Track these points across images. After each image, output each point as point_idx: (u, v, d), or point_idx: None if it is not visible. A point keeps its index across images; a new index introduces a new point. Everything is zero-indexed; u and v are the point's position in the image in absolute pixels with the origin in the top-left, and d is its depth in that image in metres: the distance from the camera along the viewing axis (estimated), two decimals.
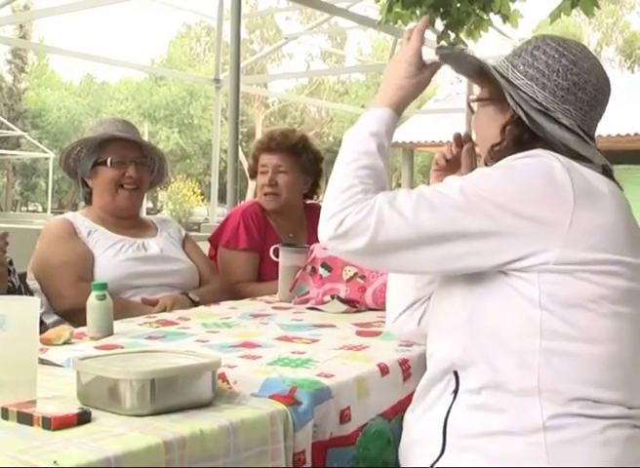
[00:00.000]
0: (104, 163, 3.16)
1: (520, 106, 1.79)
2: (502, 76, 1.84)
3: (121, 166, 3.17)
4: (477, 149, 2.03)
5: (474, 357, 1.69)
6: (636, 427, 1.65)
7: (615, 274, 1.65)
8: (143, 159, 3.25)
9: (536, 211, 1.63)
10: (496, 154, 1.84)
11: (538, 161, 1.70)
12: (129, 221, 3.25)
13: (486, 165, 1.88)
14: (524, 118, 1.78)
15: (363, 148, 1.82)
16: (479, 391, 1.68)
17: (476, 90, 2.05)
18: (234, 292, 3.47)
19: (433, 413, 1.75)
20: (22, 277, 2.94)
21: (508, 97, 1.80)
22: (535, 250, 1.62)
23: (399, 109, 1.89)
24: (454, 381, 1.73)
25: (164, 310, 2.90)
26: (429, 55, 1.96)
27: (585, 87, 1.82)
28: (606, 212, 1.68)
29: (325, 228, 1.72)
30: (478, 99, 1.95)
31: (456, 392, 1.72)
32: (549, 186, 1.65)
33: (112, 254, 3.07)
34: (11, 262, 2.71)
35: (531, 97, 1.80)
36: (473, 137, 2.08)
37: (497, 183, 1.67)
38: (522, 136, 1.81)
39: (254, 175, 3.84)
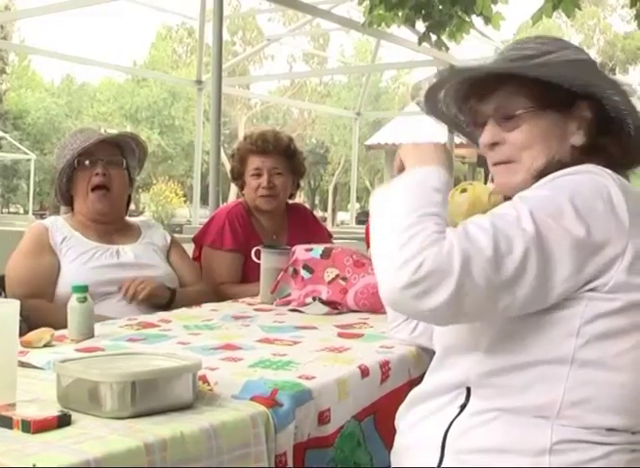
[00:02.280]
0: (75, 167, 3.14)
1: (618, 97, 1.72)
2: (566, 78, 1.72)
3: (89, 166, 3.15)
4: (514, 169, 1.78)
5: (494, 379, 1.63)
6: (635, 451, 1.64)
7: None
8: (114, 157, 3.21)
9: (598, 233, 1.54)
10: (551, 167, 1.72)
11: (592, 179, 1.60)
12: (110, 226, 3.22)
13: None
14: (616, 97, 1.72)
15: (427, 200, 1.59)
16: (491, 410, 1.63)
17: None
18: (217, 293, 3.47)
19: (433, 422, 1.71)
20: (2, 279, 2.93)
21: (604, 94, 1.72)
22: (595, 274, 1.54)
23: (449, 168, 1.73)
24: (464, 396, 1.68)
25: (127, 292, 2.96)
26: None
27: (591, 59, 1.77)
28: None
29: (397, 277, 1.45)
30: (527, 110, 1.74)
31: (463, 406, 1.67)
32: (609, 208, 1.56)
33: (83, 261, 3.04)
34: None
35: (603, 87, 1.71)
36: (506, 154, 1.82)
37: (561, 206, 1.54)
38: (605, 131, 1.74)
39: (239, 176, 3.82)
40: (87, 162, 3.13)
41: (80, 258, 3.05)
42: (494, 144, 1.79)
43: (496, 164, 1.81)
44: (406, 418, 1.80)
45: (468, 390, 1.67)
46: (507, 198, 1.71)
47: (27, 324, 2.65)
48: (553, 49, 1.71)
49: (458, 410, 1.67)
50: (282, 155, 3.75)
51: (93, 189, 3.14)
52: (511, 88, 1.75)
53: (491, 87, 1.77)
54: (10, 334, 1.57)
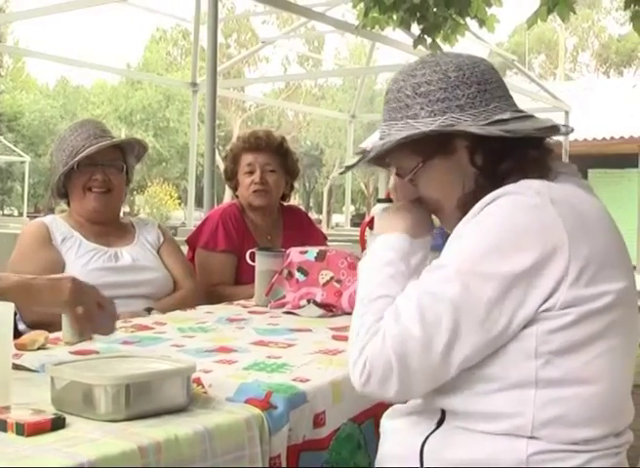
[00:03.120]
0: (74, 167, 3.13)
1: (476, 129, 1.65)
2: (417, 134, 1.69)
3: (89, 169, 3.15)
4: (442, 215, 1.82)
5: (465, 406, 1.62)
6: (620, 453, 1.63)
7: (608, 307, 1.56)
8: (115, 162, 3.21)
9: (533, 262, 1.52)
10: (469, 199, 1.71)
11: (516, 201, 1.58)
12: (106, 227, 3.23)
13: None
14: (500, 133, 1.64)
15: (375, 281, 1.68)
16: (466, 429, 1.62)
17: None
18: (211, 295, 3.47)
19: (411, 433, 1.71)
20: None
21: (469, 128, 1.66)
22: (542, 299, 1.53)
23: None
24: (439, 416, 1.67)
25: None
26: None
27: (485, 77, 1.71)
28: (597, 239, 1.60)
29: (353, 378, 1.59)
30: (417, 168, 1.76)
31: (440, 422, 1.67)
32: (540, 231, 1.54)
33: (82, 263, 3.05)
34: None
35: (464, 126, 1.67)
36: None
37: (487, 251, 1.54)
38: (499, 154, 1.69)
39: (232, 176, 3.83)
40: (86, 165, 3.13)
41: (80, 260, 3.05)
42: (417, 199, 1.84)
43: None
44: (388, 427, 1.81)
45: (443, 412, 1.67)
46: None
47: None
48: (422, 100, 1.71)
49: (434, 426, 1.67)
50: (274, 153, 3.76)
51: (90, 189, 3.15)
52: (397, 153, 1.77)
53: (383, 157, 1.81)
54: (4, 337, 1.57)
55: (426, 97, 1.70)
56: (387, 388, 1.55)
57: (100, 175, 3.15)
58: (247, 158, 3.76)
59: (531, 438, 1.55)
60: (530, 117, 1.72)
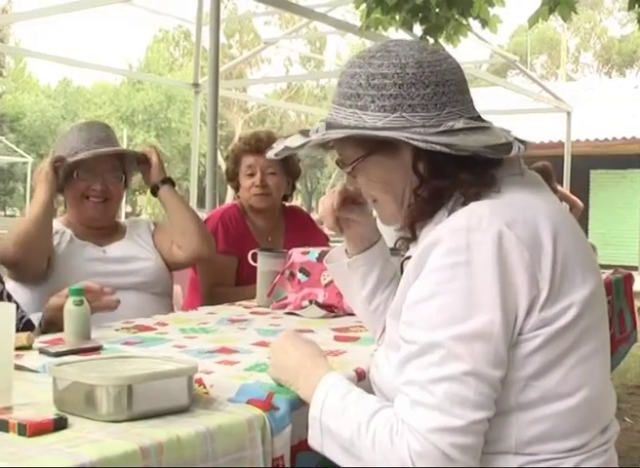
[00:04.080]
0: (72, 174, 3.14)
1: (418, 142, 1.57)
2: (365, 128, 1.63)
3: (88, 178, 3.15)
4: (380, 207, 1.77)
5: None
6: (608, 450, 1.62)
7: (576, 319, 1.53)
8: (114, 172, 3.22)
9: (504, 304, 1.47)
10: (415, 202, 1.67)
11: (471, 248, 1.49)
12: (100, 230, 3.25)
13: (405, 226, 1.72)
14: (444, 149, 1.56)
15: (352, 411, 1.56)
16: None
17: None
18: (213, 295, 3.48)
19: None
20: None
21: (409, 138, 1.58)
22: (517, 330, 1.51)
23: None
24: None
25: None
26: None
27: (445, 78, 1.63)
28: (557, 249, 1.54)
29: None
30: (357, 161, 1.71)
31: None
32: (505, 275, 1.48)
33: (72, 254, 3.09)
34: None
35: (413, 126, 1.60)
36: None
37: (457, 310, 1.47)
38: (442, 168, 1.61)
39: (234, 177, 3.84)
40: (85, 173, 3.15)
41: (69, 252, 3.09)
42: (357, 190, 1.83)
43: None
44: None
45: None
46: None
47: None
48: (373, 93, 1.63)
49: None
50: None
51: (88, 197, 3.15)
52: (341, 143, 1.73)
53: (324, 145, 1.78)
54: (6, 337, 1.57)
55: (379, 90, 1.62)
56: None
57: (100, 186, 3.16)
58: (248, 160, 3.76)
59: (517, 454, 1.54)
60: (485, 129, 1.64)
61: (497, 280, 1.47)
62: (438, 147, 1.56)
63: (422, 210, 1.66)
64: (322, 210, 2.03)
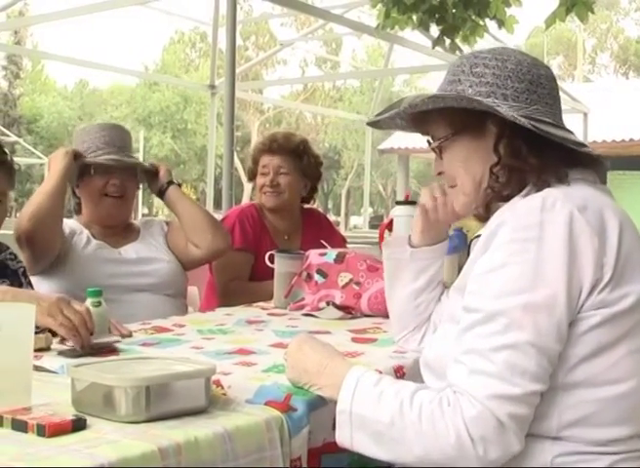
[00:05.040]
0: (88, 172, 3.16)
1: (507, 114, 1.68)
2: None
3: (105, 174, 3.17)
4: (455, 193, 1.86)
5: None
6: None
7: (632, 308, 1.56)
8: (128, 170, 3.23)
9: (568, 279, 1.52)
10: (492, 184, 1.74)
11: (545, 225, 1.55)
12: (114, 229, 3.26)
13: (479, 210, 1.81)
14: (527, 125, 1.66)
15: (391, 393, 1.57)
16: None
17: None
18: (228, 290, 3.49)
19: None
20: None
21: (501, 110, 1.68)
22: (578, 309, 1.54)
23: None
24: None
25: None
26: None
27: (540, 81, 1.76)
28: (621, 241, 1.59)
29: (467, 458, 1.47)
30: (445, 139, 1.81)
31: None
32: (574, 246, 1.53)
33: (88, 255, 3.10)
34: (24, 273, 2.70)
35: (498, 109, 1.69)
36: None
37: (522, 281, 1.52)
38: (520, 150, 1.70)
39: (253, 177, 3.88)
40: (102, 171, 3.16)
41: (85, 253, 3.10)
42: (439, 173, 1.89)
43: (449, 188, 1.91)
44: None
45: None
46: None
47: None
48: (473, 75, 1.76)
49: None
50: (289, 155, 3.78)
51: (107, 194, 3.16)
52: (434, 119, 1.83)
53: (420, 121, 1.88)
54: (25, 338, 1.57)
55: (479, 77, 1.75)
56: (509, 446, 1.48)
57: (118, 181, 3.18)
58: (264, 160, 3.80)
59: (555, 438, 1.55)
60: (567, 131, 1.75)
61: (565, 258, 1.52)
62: (524, 120, 1.66)
63: (499, 191, 1.73)
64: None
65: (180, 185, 3.37)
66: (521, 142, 1.70)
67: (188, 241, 3.27)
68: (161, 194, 3.32)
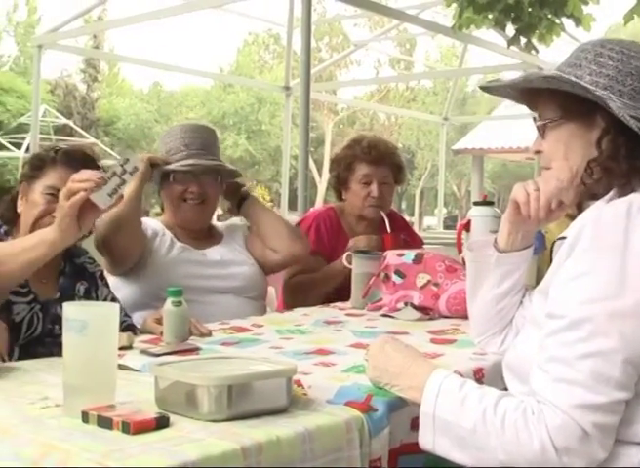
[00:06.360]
0: (168, 177, 3.17)
1: (618, 111, 1.65)
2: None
3: (184, 180, 3.17)
4: (549, 176, 1.84)
5: None
6: None
7: None
8: (211, 173, 3.22)
9: None
10: (587, 181, 1.73)
11: (631, 227, 1.53)
12: (197, 232, 3.28)
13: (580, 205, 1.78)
14: (634, 127, 1.63)
15: (474, 398, 1.57)
16: None
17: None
18: (290, 286, 3.56)
19: None
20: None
21: (613, 106, 1.66)
22: None
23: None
24: None
25: None
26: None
27: None
28: None
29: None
30: (552, 120, 1.80)
31: None
32: None
33: (172, 257, 3.12)
34: (101, 275, 2.74)
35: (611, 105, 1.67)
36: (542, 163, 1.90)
37: (611, 286, 1.49)
38: (620, 151, 1.67)
39: (343, 182, 3.82)
40: (183, 176, 3.17)
41: (169, 254, 3.12)
42: (537, 152, 1.87)
43: (542, 168, 1.89)
44: None
45: None
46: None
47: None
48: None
49: None
50: (392, 166, 3.76)
51: (186, 200, 3.18)
52: (546, 98, 1.82)
53: (531, 97, 1.87)
54: (111, 337, 1.60)
55: (600, 67, 1.73)
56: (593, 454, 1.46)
57: (197, 188, 3.17)
58: (363, 168, 3.73)
59: None
60: None
61: None
62: (633, 122, 1.63)
63: (589, 188, 1.72)
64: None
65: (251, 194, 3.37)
66: (622, 143, 1.67)
67: (266, 247, 3.28)
68: (238, 203, 3.33)
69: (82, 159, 2.55)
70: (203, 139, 3.24)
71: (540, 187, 1.87)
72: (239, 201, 3.32)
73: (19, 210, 2.54)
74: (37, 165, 2.56)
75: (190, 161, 3.13)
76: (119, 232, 2.94)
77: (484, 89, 2.00)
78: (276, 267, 3.37)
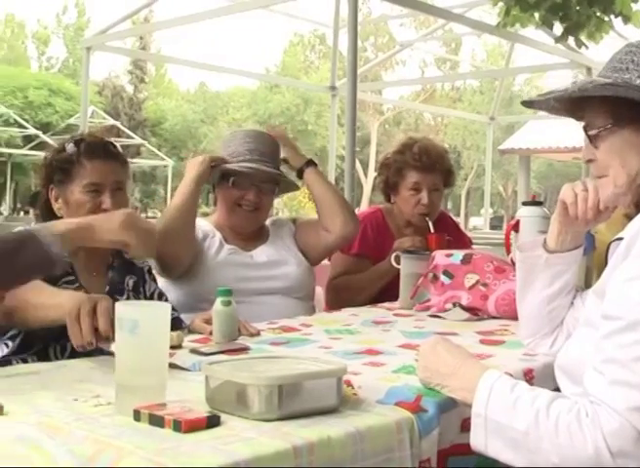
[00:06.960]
0: (227, 179, 3.18)
1: None
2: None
3: (242, 186, 3.17)
4: (605, 183, 1.80)
5: None
6: None
7: None
8: (268, 183, 3.22)
9: None
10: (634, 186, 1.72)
11: None
12: (245, 234, 3.27)
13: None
14: None
15: (527, 400, 1.55)
16: None
17: None
18: (333, 286, 3.58)
19: None
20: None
21: None
22: None
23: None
24: None
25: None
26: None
27: None
28: None
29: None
30: (604, 128, 1.75)
31: None
32: None
33: (221, 259, 3.12)
34: (149, 271, 2.76)
35: None
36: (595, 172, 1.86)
37: None
38: None
39: (393, 187, 3.78)
40: (241, 182, 3.17)
41: (218, 257, 3.12)
42: (589, 161, 1.82)
43: (595, 177, 1.85)
44: None
45: None
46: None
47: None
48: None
49: None
50: (443, 171, 3.74)
51: (240, 205, 3.19)
52: (594, 106, 1.77)
53: (578, 106, 1.82)
54: (162, 336, 1.61)
55: None
56: None
57: (253, 196, 3.16)
58: (414, 175, 3.69)
59: None
60: None
61: None
62: None
63: None
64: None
65: (315, 165, 3.38)
66: None
67: (321, 226, 3.27)
68: (300, 174, 3.35)
69: (103, 147, 2.57)
70: (266, 147, 3.23)
71: (593, 193, 1.86)
72: (301, 169, 3.34)
73: (58, 214, 2.55)
74: (65, 168, 2.54)
75: (253, 165, 3.13)
76: (172, 243, 2.96)
77: (526, 104, 1.96)
78: (329, 249, 3.38)
